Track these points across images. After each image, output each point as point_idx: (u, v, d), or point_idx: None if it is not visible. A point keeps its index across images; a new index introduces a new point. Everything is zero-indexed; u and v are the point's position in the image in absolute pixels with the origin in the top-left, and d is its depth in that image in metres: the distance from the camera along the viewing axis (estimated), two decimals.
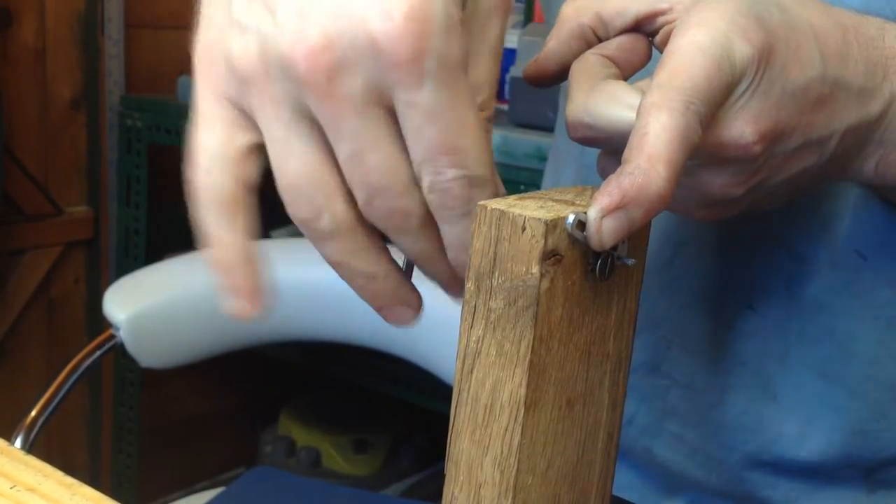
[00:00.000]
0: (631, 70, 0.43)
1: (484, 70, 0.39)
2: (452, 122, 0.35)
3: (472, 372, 0.35)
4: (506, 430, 0.35)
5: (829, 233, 0.53)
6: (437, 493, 0.38)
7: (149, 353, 1.10)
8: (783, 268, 0.54)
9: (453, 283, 0.40)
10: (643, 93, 0.37)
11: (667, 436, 0.60)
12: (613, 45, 0.43)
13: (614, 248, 0.36)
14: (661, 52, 0.40)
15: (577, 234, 0.34)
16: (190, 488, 2.00)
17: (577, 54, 0.43)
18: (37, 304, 1.76)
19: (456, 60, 0.35)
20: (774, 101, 0.39)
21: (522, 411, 0.34)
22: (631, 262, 0.37)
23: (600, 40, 0.44)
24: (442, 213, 0.37)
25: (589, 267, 0.36)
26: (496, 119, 0.61)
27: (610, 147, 0.41)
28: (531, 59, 0.46)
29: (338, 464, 1.85)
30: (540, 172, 1.12)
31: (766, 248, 0.54)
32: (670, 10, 0.42)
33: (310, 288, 1.14)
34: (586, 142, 0.41)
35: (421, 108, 0.34)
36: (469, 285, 0.35)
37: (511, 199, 0.35)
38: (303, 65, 0.34)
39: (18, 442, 0.96)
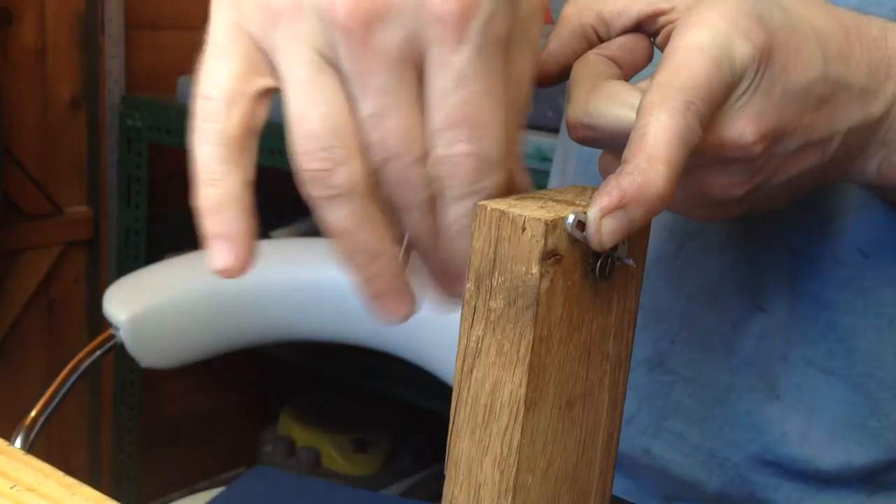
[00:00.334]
0: (633, 70, 0.43)
1: (526, 67, 0.38)
2: (480, 94, 0.34)
3: (471, 372, 0.35)
4: (506, 429, 0.35)
5: (830, 230, 0.53)
6: (437, 493, 0.38)
7: (149, 352, 1.10)
8: (786, 264, 0.54)
9: (442, 275, 0.39)
10: (644, 93, 0.37)
11: (667, 435, 0.60)
12: (615, 45, 0.43)
13: (614, 248, 0.36)
14: (663, 52, 0.40)
15: (577, 234, 0.34)
16: (190, 488, 2.00)
17: (578, 54, 0.43)
18: (37, 304, 1.76)
19: (499, 35, 0.34)
20: (775, 102, 0.39)
21: (522, 411, 0.34)
22: (631, 262, 0.37)
23: (602, 40, 0.44)
24: (443, 191, 0.36)
25: (589, 267, 0.36)
26: None
27: (611, 147, 0.41)
28: None
29: (338, 463, 1.85)
30: (540, 172, 1.12)
31: (769, 244, 0.54)
32: (672, 9, 0.42)
33: (310, 288, 1.14)
34: (587, 142, 0.40)
35: (453, 69, 0.33)
36: (469, 285, 0.35)
37: (511, 198, 0.35)
38: (342, 8, 0.33)
39: (18, 442, 0.96)
